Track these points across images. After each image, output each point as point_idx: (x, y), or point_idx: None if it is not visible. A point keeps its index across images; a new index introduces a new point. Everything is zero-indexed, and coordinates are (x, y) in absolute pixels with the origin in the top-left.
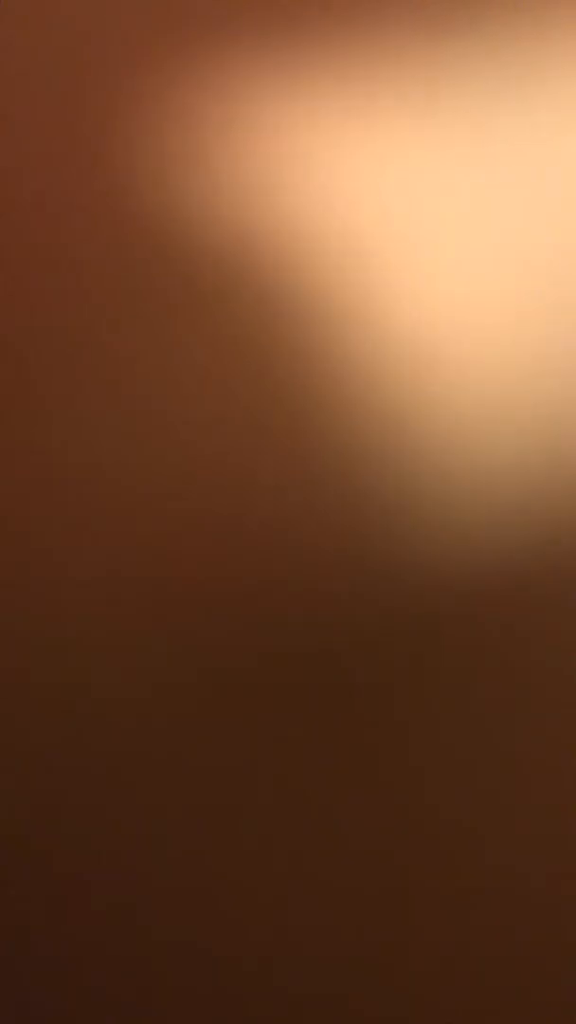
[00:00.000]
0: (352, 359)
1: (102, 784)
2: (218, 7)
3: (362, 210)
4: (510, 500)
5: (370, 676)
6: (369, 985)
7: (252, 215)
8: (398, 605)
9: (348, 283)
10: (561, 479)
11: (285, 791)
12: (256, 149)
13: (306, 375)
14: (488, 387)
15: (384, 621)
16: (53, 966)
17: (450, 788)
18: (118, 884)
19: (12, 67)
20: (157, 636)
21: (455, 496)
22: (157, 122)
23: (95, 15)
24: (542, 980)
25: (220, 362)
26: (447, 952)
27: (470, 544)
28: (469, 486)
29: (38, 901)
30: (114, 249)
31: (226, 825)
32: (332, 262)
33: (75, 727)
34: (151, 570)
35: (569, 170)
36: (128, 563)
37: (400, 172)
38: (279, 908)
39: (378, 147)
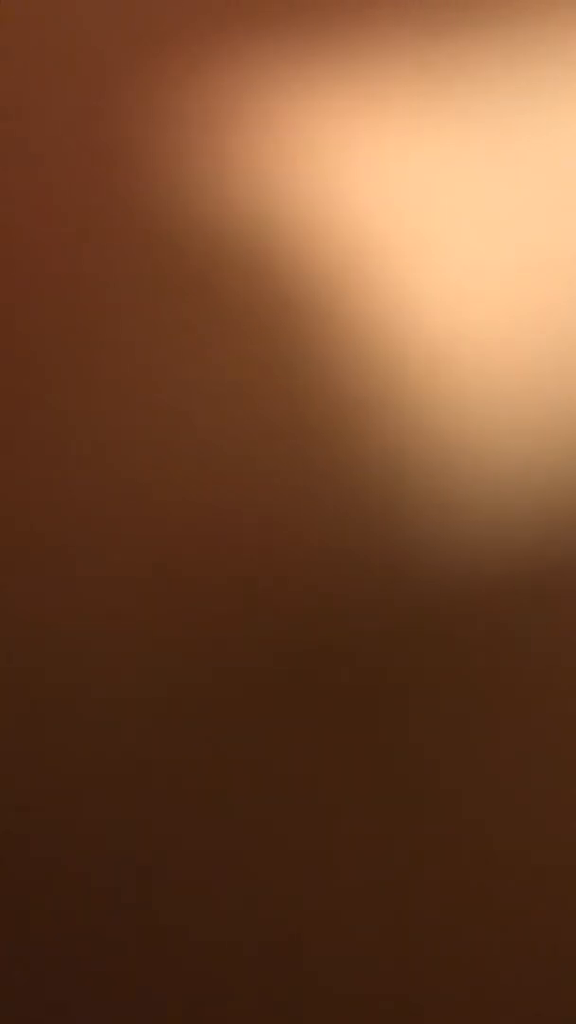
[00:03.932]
0: (356, 354)
1: (105, 781)
2: (221, 7)
3: (367, 206)
4: (514, 498)
5: (374, 673)
6: (374, 982)
7: (256, 211)
8: (402, 602)
9: (353, 278)
10: (565, 477)
11: (288, 785)
12: (260, 145)
13: (310, 370)
14: (493, 382)
15: (388, 618)
16: (56, 965)
17: (454, 783)
18: (123, 884)
19: (14, 64)
20: (160, 633)
21: (459, 493)
22: (160, 117)
23: (99, 9)
24: (545, 976)
25: (224, 358)
26: (451, 948)
27: (473, 542)
28: (473, 483)
29: (41, 901)
30: (119, 245)
31: (229, 823)
32: (337, 257)
33: (77, 725)
34: (154, 567)
35: (574, 166)
36: (131, 559)
37: (406, 168)
38: (285, 904)
39: (384, 142)
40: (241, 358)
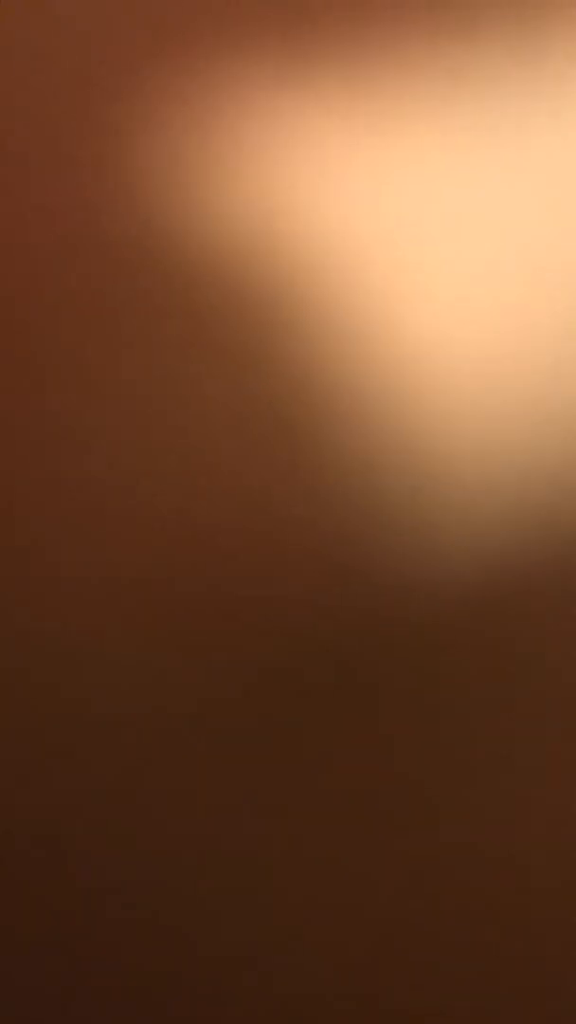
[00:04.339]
0: (355, 369)
1: (104, 790)
2: (220, 12)
3: (365, 221)
4: (511, 509)
5: (373, 684)
6: (373, 985)
7: (254, 226)
8: (401, 615)
9: (351, 294)
10: (563, 490)
11: (287, 798)
12: (257, 159)
13: (308, 386)
14: (490, 396)
15: (387, 631)
16: (53, 972)
17: (453, 794)
18: (118, 895)
19: (11, 77)
20: (158, 647)
21: (457, 506)
22: (157, 129)
23: (97, 20)
24: (545, 977)
25: (221, 372)
26: (451, 952)
27: (471, 553)
28: (471, 496)
29: (37, 913)
30: (116, 260)
31: (226, 832)
32: (335, 273)
33: (75, 738)
34: (154, 581)
35: (573, 178)
36: (131, 574)
37: (404, 183)
38: (283, 920)
39: (381, 156)
40: (237, 376)
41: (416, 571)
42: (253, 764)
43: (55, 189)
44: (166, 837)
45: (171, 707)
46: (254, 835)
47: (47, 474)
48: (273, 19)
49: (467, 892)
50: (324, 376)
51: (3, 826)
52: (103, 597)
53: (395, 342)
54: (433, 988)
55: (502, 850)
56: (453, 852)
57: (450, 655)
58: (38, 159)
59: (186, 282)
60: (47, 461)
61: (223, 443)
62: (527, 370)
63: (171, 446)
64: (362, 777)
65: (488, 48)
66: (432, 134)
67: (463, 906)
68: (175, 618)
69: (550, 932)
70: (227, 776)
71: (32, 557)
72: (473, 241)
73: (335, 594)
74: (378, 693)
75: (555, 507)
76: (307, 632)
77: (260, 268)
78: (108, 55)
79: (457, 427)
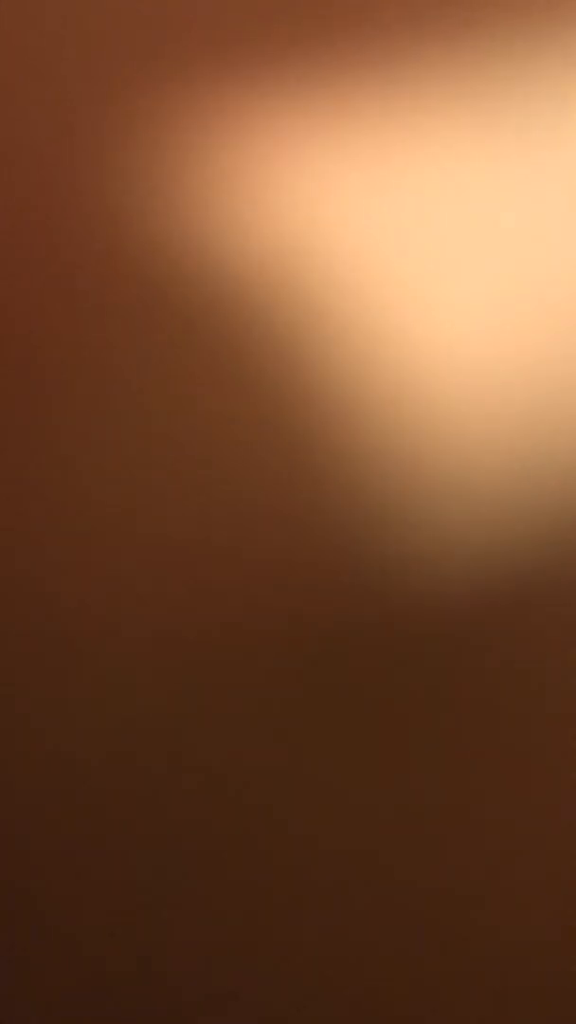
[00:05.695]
0: (357, 381)
1: (112, 804)
2: (217, 24)
3: (365, 230)
4: (514, 518)
5: (377, 694)
6: (374, 987)
7: (253, 238)
8: (403, 624)
9: (352, 305)
10: (565, 499)
11: (290, 804)
12: (257, 171)
13: (311, 400)
14: (492, 406)
15: (390, 641)
16: (54, 967)
17: (455, 800)
18: (124, 899)
19: (12, 96)
20: (158, 656)
21: (460, 515)
22: (156, 142)
23: (94, 34)
24: (543, 984)
25: (220, 382)
26: (449, 958)
27: (475, 562)
28: (474, 505)
29: (43, 894)
30: (117, 275)
31: (228, 836)
32: (335, 285)
33: (83, 756)
34: (154, 593)
35: (571, 187)
36: (131, 584)
37: (404, 193)
38: (285, 919)
39: (382, 164)
40: (236, 386)
41: (418, 580)
42: (258, 770)
43: (56, 201)
44: (171, 844)
45: (174, 721)
46: (257, 838)
47: (47, 492)
48: (271, 34)
49: (467, 894)
50: (327, 389)
51: (6, 818)
52: (103, 606)
53: (396, 353)
54: (435, 991)
55: (503, 854)
56: (454, 857)
57: (453, 664)
58: (38, 178)
59: (186, 297)
60: (47, 478)
61: (223, 455)
62: (530, 380)
63: (172, 461)
64: (365, 782)
65: (488, 57)
66: (432, 144)
67: (463, 910)
68: (176, 630)
69: (552, 935)
70: (230, 783)
71: (33, 578)
72: (475, 251)
73: (338, 605)
74: (382, 703)
75: (558, 516)
76: (309, 642)
77: (260, 281)
78: (109, 70)
79: (459, 436)
